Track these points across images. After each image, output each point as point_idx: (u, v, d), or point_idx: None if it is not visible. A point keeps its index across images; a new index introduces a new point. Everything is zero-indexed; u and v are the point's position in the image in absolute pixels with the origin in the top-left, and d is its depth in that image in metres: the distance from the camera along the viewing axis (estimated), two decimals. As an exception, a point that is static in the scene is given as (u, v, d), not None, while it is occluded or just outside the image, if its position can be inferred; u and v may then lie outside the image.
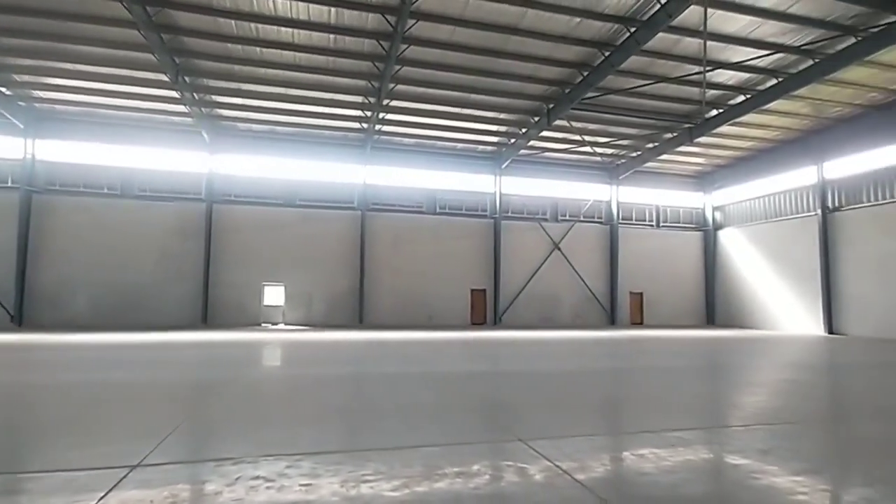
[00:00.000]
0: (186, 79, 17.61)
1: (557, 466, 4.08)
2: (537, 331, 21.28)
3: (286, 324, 22.91)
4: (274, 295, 23.22)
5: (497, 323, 25.02)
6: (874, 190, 20.25)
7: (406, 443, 4.70)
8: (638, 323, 27.20)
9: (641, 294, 27.33)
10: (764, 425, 5.65)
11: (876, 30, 13.67)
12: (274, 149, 23.51)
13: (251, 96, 19.05)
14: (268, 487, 3.58)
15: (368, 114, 20.34)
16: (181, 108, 19.83)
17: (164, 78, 17.11)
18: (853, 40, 14.42)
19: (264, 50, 16.02)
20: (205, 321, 21.89)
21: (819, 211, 22.13)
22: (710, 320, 28.17)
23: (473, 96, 18.98)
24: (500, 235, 25.48)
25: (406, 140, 23.78)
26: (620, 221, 27.36)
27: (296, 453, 4.33)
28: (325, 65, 16.97)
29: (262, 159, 23.68)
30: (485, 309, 25.25)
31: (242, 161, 23.53)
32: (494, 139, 23.45)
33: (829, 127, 21.33)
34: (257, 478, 3.76)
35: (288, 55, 16.33)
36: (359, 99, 19.31)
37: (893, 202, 19.48)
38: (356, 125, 21.84)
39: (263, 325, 22.61)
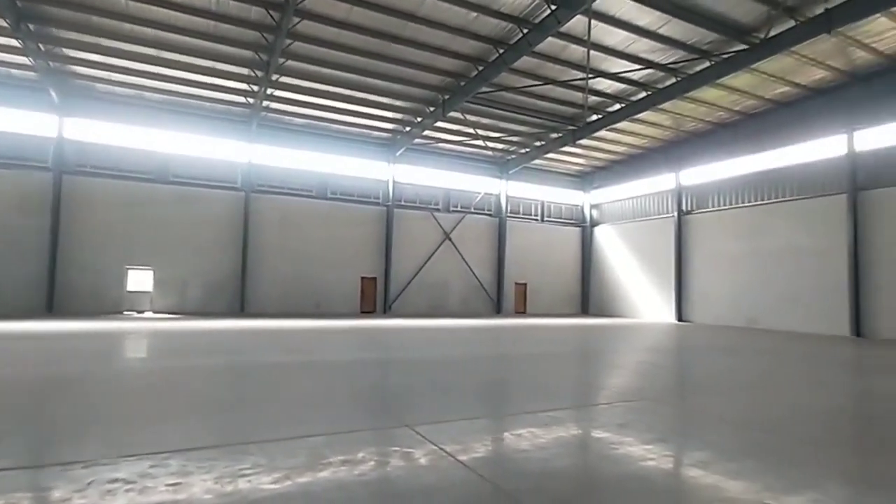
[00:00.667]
0: (30, 26, 15.03)
1: (442, 449, 4.23)
2: (427, 319, 21.71)
3: (154, 312, 20.78)
4: (140, 280, 20.89)
5: (387, 311, 25.08)
6: (718, 197, 23.58)
7: (289, 434, 4.56)
8: (521, 312, 28.95)
9: (525, 284, 29.09)
10: (624, 402, 6.36)
11: (726, 56, 15.85)
12: (142, 117, 21.01)
13: (113, 54, 16.76)
14: (128, 490, 3.25)
15: (255, 88, 19.02)
16: (23, 59, 16.91)
17: (2, 23, 14.46)
18: (708, 64, 16.58)
19: (131, 3, 14.20)
20: (50, 309, 19.07)
21: (676, 213, 25.26)
22: (585, 309, 30.88)
23: (369, 80, 18.64)
24: (393, 224, 25.47)
25: (297, 120, 22.66)
26: (508, 214, 28.78)
27: (162, 451, 3.99)
28: (206, 29, 15.51)
29: (127, 128, 21.02)
30: (375, 297, 25.15)
31: (102, 128, 20.68)
32: (389, 126, 23.29)
33: (686, 139, 24.35)
34: (115, 480, 3.40)
35: (160, 12, 14.64)
36: (244, 71, 17.97)
37: (732, 208, 22.87)
38: (241, 99, 20.31)
39: (127, 313, 20.28)
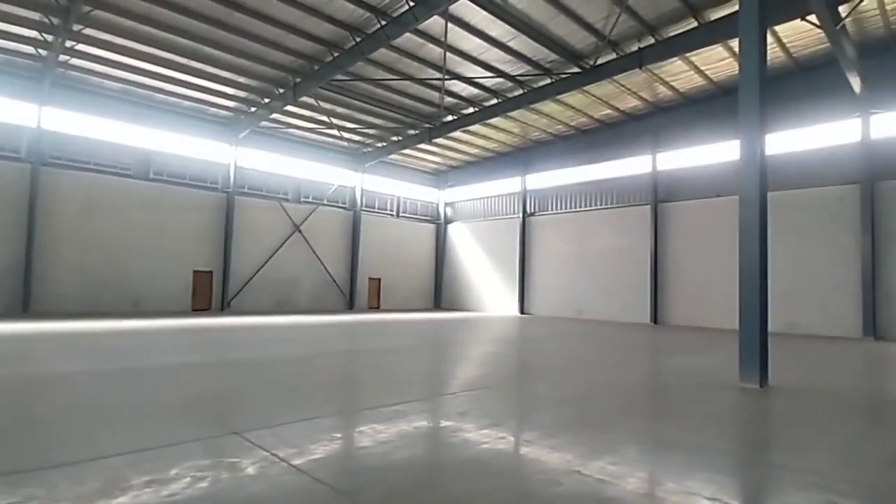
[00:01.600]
0: None
1: (274, 455, 4.05)
2: (273, 316, 20.56)
3: None
4: None
5: (225, 308, 23.13)
6: (557, 201, 26.35)
7: (82, 456, 3.94)
8: (375, 307, 29.02)
9: (380, 279, 29.22)
10: (466, 392, 6.77)
11: (564, 76, 17.74)
12: None
13: None
14: None
15: (49, 38, 15.84)
16: None
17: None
18: (549, 80, 18.38)
19: None
20: None
21: (521, 214, 27.58)
22: (438, 304, 32.10)
23: (206, 48, 16.73)
24: (234, 212, 23.52)
25: (109, 83, 19.28)
26: (364, 208, 28.60)
27: None
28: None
29: None
30: (211, 293, 22.97)
31: None
32: (231, 104, 21.38)
33: (532, 147, 26.74)
34: None
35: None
36: (35, 16, 14.74)
37: (567, 212, 25.74)
38: (29, 49, 16.59)
39: None
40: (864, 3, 12.98)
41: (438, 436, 4.83)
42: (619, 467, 3.93)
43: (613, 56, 16.47)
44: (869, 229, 16.01)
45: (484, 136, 25.39)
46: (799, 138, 18.00)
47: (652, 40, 15.54)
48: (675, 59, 16.42)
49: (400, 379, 7.77)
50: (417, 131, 24.05)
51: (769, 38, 14.95)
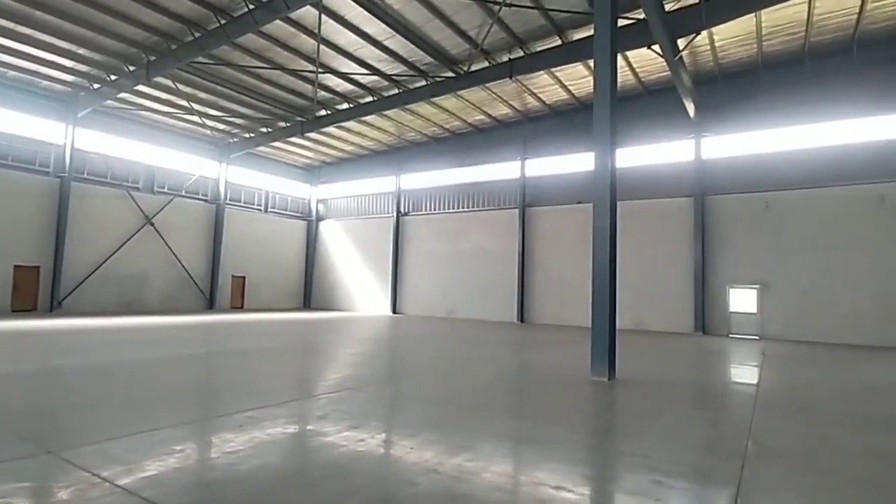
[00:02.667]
0: None
1: (96, 475, 3.45)
2: (116, 318, 18.00)
3: None
4: None
5: (55, 309, 19.78)
6: (431, 202, 26.80)
7: None
8: (239, 307, 26.94)
9: (244, 277, 27.20)
10: (328, 394, 6.46)
11: (439, 79, 18.07)
12: None
13: None
14: None
15: None
16: None
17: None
18: (424, 83, 18.59)
19: None
20: None
21: (395, 214, 27.57)
22: (308, 303, 30.78)
23: (38, 13, 14.29)
24: (70, 200, 20.23)
25: None
26: (228, 202, 26.40)
27: None
28: None
29: None
30: (37, 291, 19.50)
31: None
32: (68, 77, 18.41)
33: (407, 147, 26.88)
34: None
35: None
36: None
37: (440, 213, 26.31)
38: None
39: None
40: (697, 39, 15.10)
41: (294, 442, 4.50)
42: (476, 463, 3.98)
43: (486, 64, 17.16)
44: (700, 237, 18.64)
45: (359, 134, 24.94)
46: (646, 154, 20.39)
47: (521, 53, 16.48)
48: (542, 72, 17.60)
49: (258, 383, 7.19)
50: (289, 124, 22.83)
51: (622, 62, 16.71)
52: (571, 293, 21.02)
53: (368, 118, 21.91)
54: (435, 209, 26.50)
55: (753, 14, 14.10)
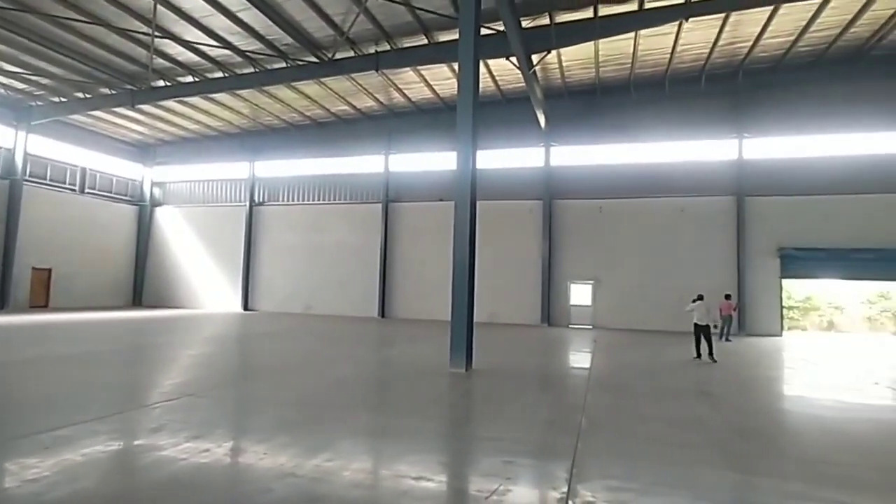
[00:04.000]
0: None
1: None
2: None
3: None
4: None
5: None
6: (289, 192, 25.45)
7: None
8: (42, 305, 22.66)
9: (49, 270, 22.96)
10: (163, 403, 5.79)
11: (300, 63, 17.21)
12: None
13: None
14: None
15: None
16: None
17: None
18: (284, 65, 17.56)
19: None
20: None
21: (248, 203, 25.64)
22: (138, 300, 27.13)
23: None
24: None
25: None
26: (28, 178, 22.00)
27: None
28: None
29: None
30: None
31: None
32: None
33: (264, 132, 25.14)
34: None
35: None
36: None
37: (299, 204, 25.13)
38: None
39: None
40: (548, 57, 16.53)
41: (119, 460, 3.95)
42: (335, 462, 3.90)
43: (352, 54, 16.81)
44: (547, 237, 20.53)
45: (206, 112, 22.71)
46: (503, 157, 21.79)
47: (388, 47, 16.47)
48: (409, 69, 17.80)
49: (70, 395, 6.15)
50: (115, 91, 19.83)
51: (483, 69, 17.64)
52: (432, 288, 21.64)
53: (219, 96, 20.10)
54: (293, 200, 25.27)
55: (592, 42, 15.94)
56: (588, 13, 14.44)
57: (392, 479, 3.66)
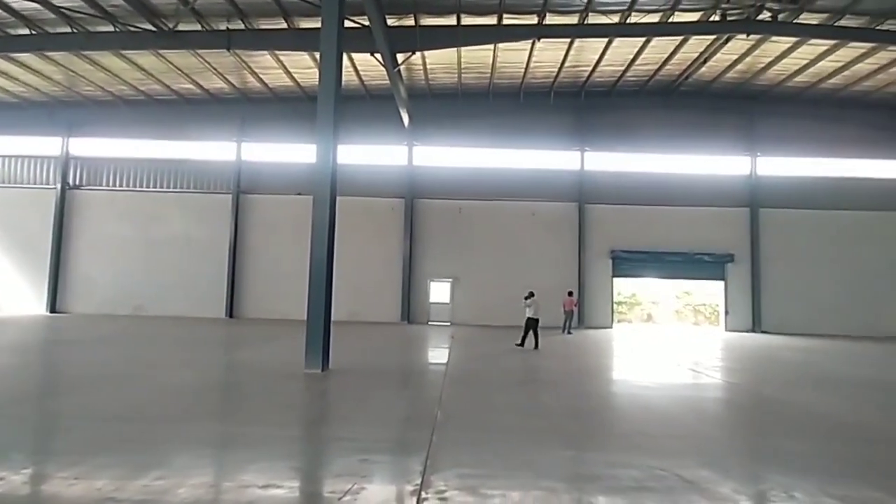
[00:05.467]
0: None
1: None
2: None
3: None
4: None
5: None
6: (115, 176, 22.21)
7: None
8: None
9: None
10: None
11: (133, 30, 15.11)
12: None
13: None
14: None
15: None
16: None
17: None
18: (112, 28, 15.25)
19: None
20: None
21: (60, 185, 21.83)
22: None
23: None
24: None
25: None
26: None
27: None
28: None
29: None
30: None
31: None
32: None
33: (83, 104, 21.54)
34: None
35: None
36: None
37: (128, 190, 22.07)
38: None
39: None
40: (413, 58, 16.78)
41: None
42: (168, 480, 3.51)
43: (199, 28, 15.31)
44: (409, 235, 20.89)
45: (4, 74, 18.91)
46: (367, 153, 21.58)
47: (242, 26, 15.31)
48: (266, 52, 16.76)
49: None
50: None
51: (347, 62, 17.29)
52: (288, 286, 20.56)
53: (22, 56, 16.86)
54: (122, 185, 22.20)
55: (455, 49, 16.64)
56: (452, 20, 15.03)
57: (236, 490, 3.41)
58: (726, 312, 21.14)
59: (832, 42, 15.99)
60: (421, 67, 18.47)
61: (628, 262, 21.11)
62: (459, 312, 20.69)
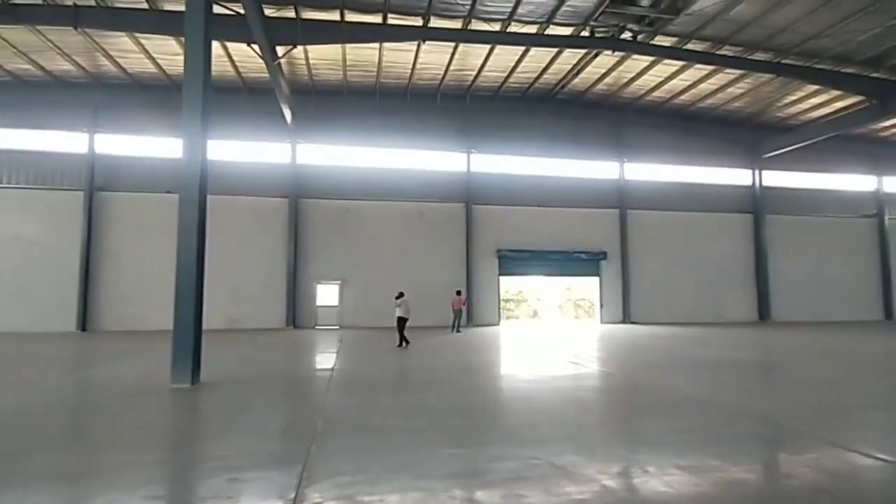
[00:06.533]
0: None
1: None
2: None
3: None
4: None
5: None
6: None
7: None
8: None
9: None
10: None
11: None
12: None
13: None
14: None
15: None
16: None
17: None
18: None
19: None
20: None
21: None
22: None
23: None
24: None
25: None
26: None
27: None
28: None
29: None
30: None
31: None
32: None
33: None
34: None
35: None
36: None
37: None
38: None
39: None
40: (295, 52, 16.09)
41: None
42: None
43: (39, 1, 13.37)
44: (293, 237, 20.00)
45: None
46: (245, 150, 20.29)
47: (93, 2, 13.64)
48: (123, 34, 15.10)
49: None
50: None
51: (220, 51, 16.13)
52: (156, 293, 18.64)
53: None
54: None
55: (340, 46, 16.30)
56: (335, 15, 14.68)
57: (73, 531, 2.99)
58: (601, 306, 23.06)
59: (681, 63, 18.14)
60: (304, 62, 17.83)
61: (513, 261, 22.17)
62: (349, 315, 20.28)
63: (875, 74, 18.54)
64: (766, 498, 3.65)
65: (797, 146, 22.66)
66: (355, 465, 4.09)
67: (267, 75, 16.57)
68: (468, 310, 20.59)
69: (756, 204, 24.52)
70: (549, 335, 17.15)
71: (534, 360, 11.01)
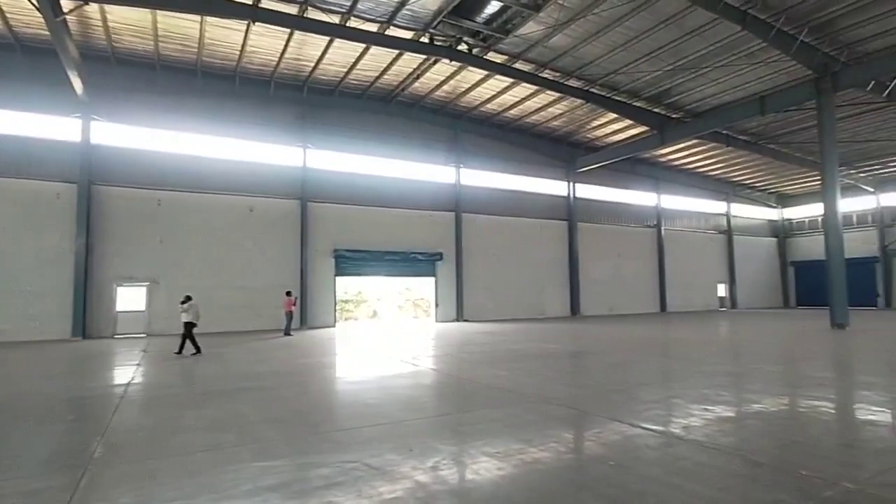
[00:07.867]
0: None
1: None
2: None
3: None
4: None
5: None
6: None
7: None
8: None
9: None
10: None
11: None
12: None
13: None
14: None
15: None
16: None
17: None
18: None
19: None
20: None
21: None
22: None
23: None
24: None
25: None
26: None
27: None
28: None
29: None
30: None
31: None
32: None
33: None
34: None
35: None
36: None
37: None
38: None
39: None
40: (89, 11, 13.69)
41: None
42: None
43: None
44: (84, 230, 16.79)
45: None
46: (18, 122, 16.63)
47: None
48: None
49: None
50: None
51: (-20, -6, 13.04)
52: None
53: None
54: None
55: (149, 11, 14.41)
56: (142, -26, 12.89)
57: None
58: (436, 305, 23.92)
59: (511, 80, 19.72)
60: (100, 24, 15.29)
61: (351, 261, 21.81)
62: (159, 321, 17.85)
63: (656, 110, 22.37)
64: (557, 469, 4.04)
65: (601, 164, 26.24)
66: (139, 494, 3.54)
67: (48, 33, 13.81)
68: (300, 311, 19.71)
69: (570, 212, 27.78)
70: (384, 335, 17.21)
71: (364, 360, 10.90)
